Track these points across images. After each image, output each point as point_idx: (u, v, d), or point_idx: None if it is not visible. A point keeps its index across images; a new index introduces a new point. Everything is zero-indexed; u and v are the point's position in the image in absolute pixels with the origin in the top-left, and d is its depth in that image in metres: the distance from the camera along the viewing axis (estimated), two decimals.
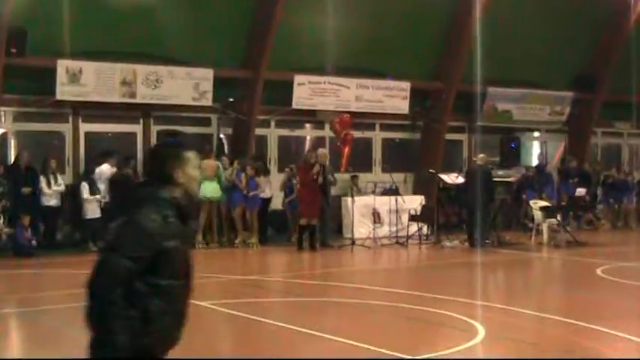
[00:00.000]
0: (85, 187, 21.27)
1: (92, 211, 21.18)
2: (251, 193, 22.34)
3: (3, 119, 22.25)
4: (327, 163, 22.24)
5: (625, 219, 28.84)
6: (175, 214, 4.93)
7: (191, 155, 5.23)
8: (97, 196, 21.29)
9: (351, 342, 10.71)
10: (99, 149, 22.89)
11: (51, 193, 21.04)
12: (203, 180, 20.77)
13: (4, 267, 18.42)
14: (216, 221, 22.31)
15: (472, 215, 22.12)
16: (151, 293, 4.81)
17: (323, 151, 22.47)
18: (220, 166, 22.12)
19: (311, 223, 21.42)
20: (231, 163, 22.62)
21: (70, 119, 22.92)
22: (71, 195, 21.69)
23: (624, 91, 27.38)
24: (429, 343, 10.67)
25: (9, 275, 17.84)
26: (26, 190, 20.61)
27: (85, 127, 23.24)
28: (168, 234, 4.87)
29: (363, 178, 25.77)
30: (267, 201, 23.19)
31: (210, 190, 21.52)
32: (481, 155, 23.58)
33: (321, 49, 23.73)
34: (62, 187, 21.26)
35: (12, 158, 21.80)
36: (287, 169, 23.66)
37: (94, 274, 4.77)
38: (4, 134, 22.37)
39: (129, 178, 20.80)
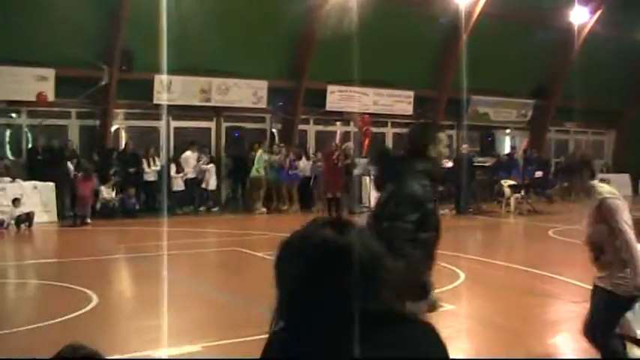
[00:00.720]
0: (173, 168, 21.65)
1: (178, 184, 21.60)
2: (291, 172, 22.66)
3: (117, 118, 22.59)
4: (352, 152, 22.34)
5: (575, 194, 28.82)
6: (429, 182, 4.76)
7: (442, 136, 5.02)
8: (181, 174, 21.69)
9: None
10: (184, 140, 23.21)
11: (150, 171, 21.42)
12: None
13: (115, 225, 18.79)
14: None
15: (458, 190, 22.26)
16: (415, 246, 4.59)
17: (349, 145, 22.55)
18: (262, 153, 22.16)
19: (335, 196, 21.36)
20: (279, 151, 22.84)
21: (164, 118, 23.22)
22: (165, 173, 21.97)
23: (571, 98, 27.31)
24: None
25: (119, 231, 18.19)
26: (132, 169, 21.02)
27: (174, 124, 23.53)
28: (428, 198, 4.72)
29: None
30: (308, 178, 23.30)
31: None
32: (465, 146, 23.79)
33: (347, 64, 23.81)
34: (158, 168, 21.59)
35: (122, 146, 22.19)
36: (312, 157, 23.81)
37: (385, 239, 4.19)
38: (118, 129, 22.72)
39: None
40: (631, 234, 5.06)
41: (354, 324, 2.00)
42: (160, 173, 21.58)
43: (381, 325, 2.07)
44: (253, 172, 22.07)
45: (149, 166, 21.45)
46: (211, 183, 22.28)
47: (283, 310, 2.14)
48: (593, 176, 5.37)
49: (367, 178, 23.45)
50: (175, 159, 22.06)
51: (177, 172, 21.69)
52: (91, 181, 19.43)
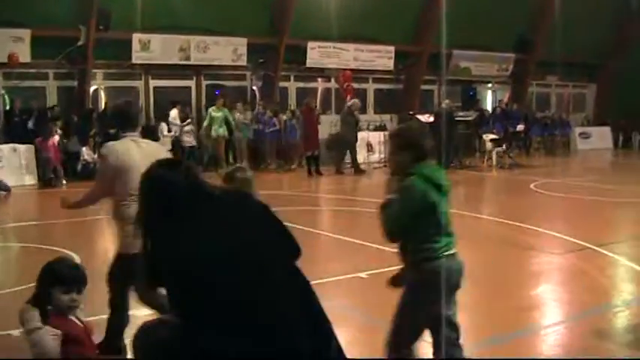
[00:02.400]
0: (164, 127, 21.46)
1: (167, 144, 21.14)
2: (270, 129, 22.53)
3: (95, 78, 22.33)
4: (359, 108, 22.34)
5: (556, 147, 29.16)
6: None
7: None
8: (171, 134, 21.53)
9: (344, 238, 10.89)
10: (163, 99, 23.04)
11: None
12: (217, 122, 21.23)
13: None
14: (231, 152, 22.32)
15: (440, 144, 22.26)
16: None
17: (356, 101, 22.35)
18: (228, 112, 21.64)
19: (314, 154, 21.26)
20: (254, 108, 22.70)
21: (142, 77, 23.06)
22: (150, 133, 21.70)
23: (552, 52, 27.30)
24: None
25: None
26: (112, 130, 20.76)
27: (153, 83, 23.41)
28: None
29: (360, 118, 25.94)
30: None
31: (221, 130, 21.31)
32: (447, 100, 23.71)
33: (328, 21, 23.70)
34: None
35: (102, 107, 21.98)
36: (288, 112, 23.41)
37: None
38: (97, 90, 22.50)
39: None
40: None
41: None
42: (142, 133, 21.24)
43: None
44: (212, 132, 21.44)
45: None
46: (193, 142, 22.13)
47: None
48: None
49: None
50: (166, 118, 21.82)
51: (169, 131, 21.56)
52: (50, 141, 18.84)
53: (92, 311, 5.23)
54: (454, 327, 4.73)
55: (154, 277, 3.32)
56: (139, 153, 5.42)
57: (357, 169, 21.32)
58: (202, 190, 3.38)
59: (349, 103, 22.06)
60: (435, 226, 4.54)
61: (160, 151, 5.76)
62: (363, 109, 27.21)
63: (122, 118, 5.73)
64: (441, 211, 4.55)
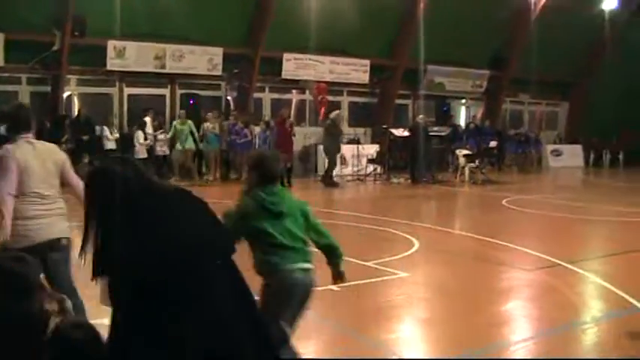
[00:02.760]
0: (140, 135, 21.31)
1: (142, 152, 21.16)
2: (241, 140, 22.39)
3: (69, 84, 22.16)
4: (341, 121, 22.74)
5: (528, 164, 29.43)
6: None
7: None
8: (146, 142, 21.38)
9: (316, 250, 10.83)
10: (137, 107, 22.93)
11: (112, 139, 21.12)
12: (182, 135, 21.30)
13: (64, 192, 18.45)
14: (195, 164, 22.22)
15: (414, 159, 22.37)
16: None
17: (340, 113, 22.55)
18: (192, 125, 21.61)
19: (287, 165, 20.82)
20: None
21: (117, 84, 22.94)
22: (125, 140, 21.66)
23: (526, 70, 27.59)
24: (378, 252, 10.51)
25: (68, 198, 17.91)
26: (85, 137, 20.64)
27: (127, 91, 23.30)
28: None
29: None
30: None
31: (187, 144, 21.40)
32: (421, 115, 23.89)
33: (304, 33, 23.75)
34: (118, 135, 21.33)
35: (75, 113, 21.81)
36: (262, 123, 23.26)
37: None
38: (70, 95, 22.33)
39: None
40: None
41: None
42: (119, 141, 21.30)
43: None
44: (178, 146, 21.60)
45: (111, 133, 21.15)
46: (167, 151, 22.03)
47: None
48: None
49: (321, 146, 23.52)
50: (141, 126, 21.60)
51: (145, 139, 21.42)
52: None
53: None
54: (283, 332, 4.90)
55: (101, 269, 3.35)
56: (32, 153, 5.62)
57: (330, 182, 21.28)
58: (152, 186, 3.58)
59: (332, 115, 22.05)
60: (267, 244, 4.82)
61: (56, 151, 6.03)
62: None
63: (14, 121, 5.84)
64: (271, 232, 4.81)
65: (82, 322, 3.51)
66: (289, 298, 4.82)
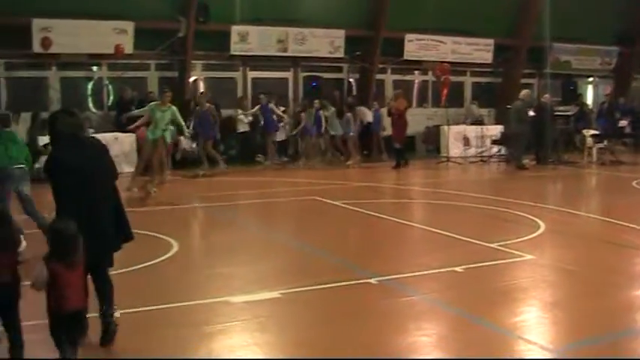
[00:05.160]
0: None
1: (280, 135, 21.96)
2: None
3: (195, 69, 22.76)
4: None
5: None
6: None
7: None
8: (282, 124, 22.13)
9: (440, 231, 10.78)
10: (261, 90, 23.30)
11: (246, 122, 21.76)
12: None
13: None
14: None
15: (539, 140, 21.83)
16: None
17: (528, 92, 22.08)
18: (176, 111, 15.88)
19: (399, 146, 21.09)
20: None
21: (240, 69, 23.41)
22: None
23: None
24: (502, 234, 10.47)
25: (199, 181, 18.38)
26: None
27: (251, 74, 23.71)
28: None
29: (458, 111, 25.72)
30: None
31: (167, 133, 15.90)
32: (547, 95, 23.19)
33: (425, 13, 23.56)
34: (251, 118, 21.84)
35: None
36: (374, 104, 23.42)
37: None
38: (196, 80, 22.94)
39: None
40: None
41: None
42: (251, 124, 21.84)
43: None
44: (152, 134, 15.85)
45: (246, 116, 21.69)
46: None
47: None
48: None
49: (445, 127, 23.33)
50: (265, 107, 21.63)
51: (279, 122, 21.92)
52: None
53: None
54: None
55: (48, 175, 5.79)
56: None
57: (521, 165, 20.70)
58: (78, 131, 5.98)
59: (522, 95, 21.47)
60: None
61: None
62: (461, 102, 26.97)
63: None
64: None
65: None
66: None
